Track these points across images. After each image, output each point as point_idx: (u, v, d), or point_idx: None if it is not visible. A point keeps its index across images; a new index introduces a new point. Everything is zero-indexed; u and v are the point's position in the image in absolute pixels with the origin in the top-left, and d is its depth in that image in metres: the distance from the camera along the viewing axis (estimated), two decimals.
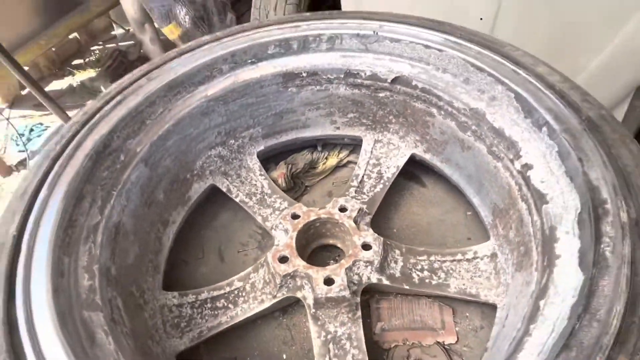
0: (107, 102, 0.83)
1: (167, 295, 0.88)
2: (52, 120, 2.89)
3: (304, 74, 1.01)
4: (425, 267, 0.91)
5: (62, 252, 0.63)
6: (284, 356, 0.89)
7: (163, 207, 0.94)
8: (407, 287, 0.88)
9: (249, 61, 0.98)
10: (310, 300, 0.84)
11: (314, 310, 0.84)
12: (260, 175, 1.10)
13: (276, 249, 0.89)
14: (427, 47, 0.89)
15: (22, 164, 2.70)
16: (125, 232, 0.80)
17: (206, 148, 1.03)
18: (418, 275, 0.90)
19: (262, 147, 1.13)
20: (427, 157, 1.05)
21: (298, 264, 0.86)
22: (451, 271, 0.90)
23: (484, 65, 0.81)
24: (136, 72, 0.90)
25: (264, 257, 0.91)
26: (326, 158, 1.22)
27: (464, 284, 0.87)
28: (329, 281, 0.83)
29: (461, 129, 0.91)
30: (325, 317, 0.84)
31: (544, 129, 0.71)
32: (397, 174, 1.07)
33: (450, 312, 0.92)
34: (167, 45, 2.99)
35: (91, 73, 3.20)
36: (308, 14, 1.00)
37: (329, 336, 0.82)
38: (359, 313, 0.84)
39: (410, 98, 0.97)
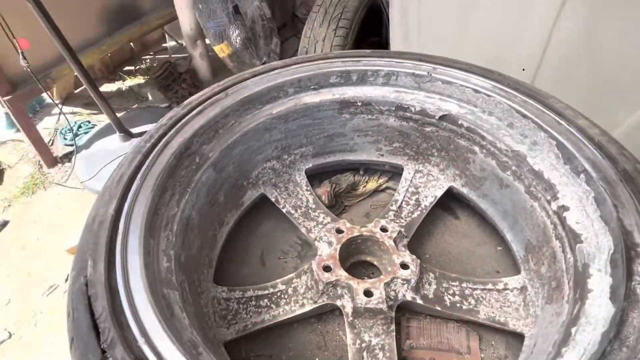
0: (191, 111, 0.94)
1: (218, 288, 0.96)
2: (99, 120, 3.08)
3: (359, 103, 1.11)
4: (457, 292, 0.97)
5: (150, 235, 0.72)
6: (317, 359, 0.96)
7: (222, 208, 1.04)
8: (439, 309, 0.94)
9: (312, 87, 1.09)
10: (348, 309, 0.91)
11: (351, 319, 0.91)
12: (307, 190, 1.19)
13: (320, 258, 0.97)
14: (476, 91, 0.99)
15: (67, 157, 2.87)
16: (192, 226, 0.89)
17: (263, 160, 1.13)
18: (450, 299, 0.96)
19: (310, 165, 1.23)
20: (464, 190, 1.12)
21: (340, 274, 0.94)
22: (481, 299, 0.96)
23: (528, 113, 0.90)
24: (215, 86, 1.02)
25: (308, 265, 0.99)
26: (366, 182, 1.30)
27: (493, 312, 0.93)
28: (368, 293, 0.90)
29: (501, 168, 0.99)
30: (362, 327, 0.90)
31: (582, 175, 0.79)
32: (434, 203, 1.14)
33: (477, 338, 0.97)
34: (213, 61, 3.20)
35: (140, 80, 3.41)
36: (369, 51, 1.12)
37: (364, 344, 0.88)
38: (393, 327, 0.90)
39: (454, 135, 1.06)
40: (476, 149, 1.03)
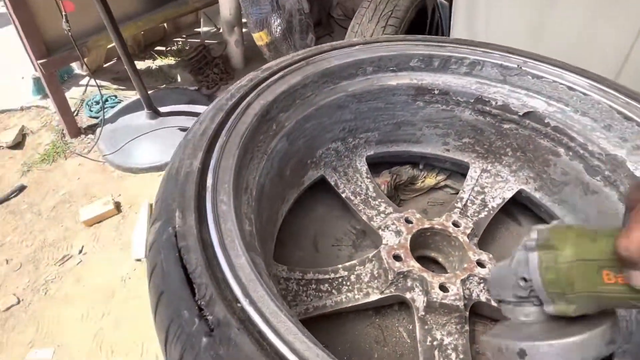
0: (271, 75, 0.88)
1: (278, 266, 0.90)
2: (125, 95, 3.04)
3: (436, 91, 1.06)
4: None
5: (235, 194, 0.66)
6: (375, 355, 0.89)
7: (286, 184, 0.98)
8: None
9: (390, 68, 1.04)
10: (420, 303, 0.85)
11: (422, 314, 0.84)
12: (367, 177, 1.13)
13: (390, 247, 0.91)
14: (570, 89, 0.93)
15: (91, 128, 2.82)
16: (265, 194, 0.83)
17: (329, 140, 1.08)
18: None
19: (372, 152, 1.17)
20: (537, 195, 1.07)
21: (413, 265, 0.87)
22: None
23: (633, 115, 0.85)
24: (295, 55, 0.97)
25: (374, 253, 0.93)
26: (425, 177, 1.25)
27: None
28: (444, 288, 0.84)
29: (589, 173, 0.93)
30: (433, 323, 0.84)
31: None
32: (502, 205, 1.09)
33: None
34: (247, 50, 3.16)
35: (170, 61, 3.37)
36: (454, 38, 1.07)
37: (435, 342, 0.82)
38: (467, 327, 0.84)
39: (537, 134, 1.01)
40: (561, 150, 0.97)
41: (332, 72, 0.97)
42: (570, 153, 0.96)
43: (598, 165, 0.90)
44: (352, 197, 1.08)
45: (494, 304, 0.87)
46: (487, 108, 1.05)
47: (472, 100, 1.05)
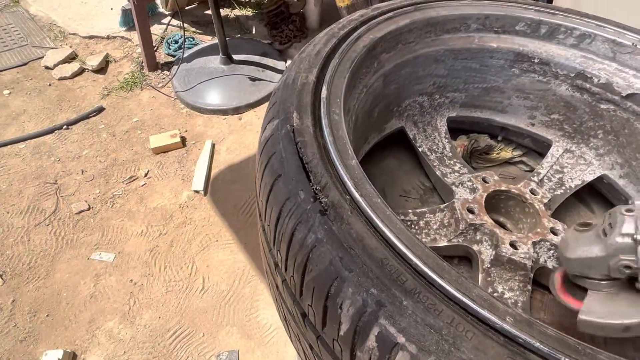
0: (382, 14, 0.91)
1: None
2: (202, 39, 3.15)
3: (536, 60, 1.04)
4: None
5: (345, 111, 0.70)
6: None
7: (372, 125, 1.01)
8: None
9: (495, 29, 1.03)
10: (486, 256, 0.87)
11: (488, 266, 0.87)
12: (445, 137, 1.14)
13: (465, 199, 0.93)
14: None
15: (167, 65, 2.96)
16: (357, 126, 0.87)
17: (417, 92, 1.09)
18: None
19: (454, 114, 1.17)
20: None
21: (486, 219, 0.89)
22: None
23: None
24: (404, 1, 0.98)
25: (446, 204, 0.95)
26: (501, 149, 1.24)
27: None
28: (513, 245, 0.86)
29: None
30: (497, 277, 0.86)
31: None
32: (580, 187, 1.07)
33: None
34: (324, 11, 3.16)
35: (248, 12, 3.44)
36: (565, 7, 1.04)
37: (495, 294, 0.84)
38: (530, 287, 0.85)
39: (637, 118, 0.97)
40: None
41: (437, 23, 0.98)
42: None
43: None
44: (429, 153, 1.10)
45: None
46: (587, 85, 1.02)
47: (572, 75, 1.03)
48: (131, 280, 1.87)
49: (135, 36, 3.05)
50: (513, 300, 0.83)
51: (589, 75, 1.01)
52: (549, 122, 1.13)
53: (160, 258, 1.95)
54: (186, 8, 3.46)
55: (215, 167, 2.36)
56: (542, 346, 0.41)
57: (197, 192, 2.20)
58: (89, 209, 2.13)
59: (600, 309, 0.58)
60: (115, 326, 1.71)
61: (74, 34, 3.16)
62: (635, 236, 0.53)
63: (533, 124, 1.15)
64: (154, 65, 2.92)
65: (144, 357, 1.63)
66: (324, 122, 0.63)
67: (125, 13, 3.04)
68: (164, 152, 2.43)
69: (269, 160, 0.61)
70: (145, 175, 2.32)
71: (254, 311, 1.77)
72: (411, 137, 1.13)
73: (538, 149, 1.20)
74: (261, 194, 0.62)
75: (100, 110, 2.69)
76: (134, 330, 1.71)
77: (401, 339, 0.42)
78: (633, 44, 0.95)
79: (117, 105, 2.72)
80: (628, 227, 0.54)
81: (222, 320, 1.75)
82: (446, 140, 1.14)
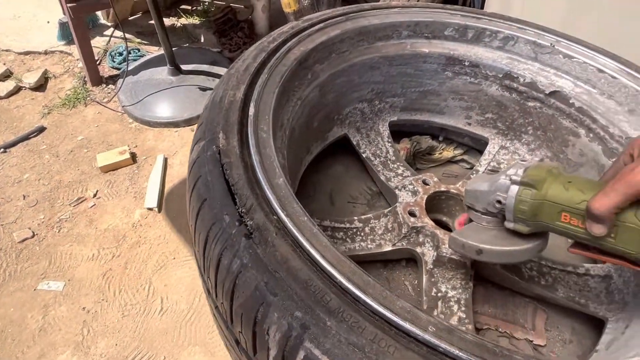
0: (312, 26, 0.91)
1: None
2: (148, 50, 3.05)
3: (467, 63, 1.08)
4: (535, 268, 0.95)
5: (274, 127, 0.70)
6: None
7: (312, 135, 1.01)
8: (517, 279, 0.92)
9: (425, 35, 1.06)
10: (429, 258, 0.89)
11: (431, 267, 0.89)
12: (388, 142, 1.17)
13: (407, 203, 0.95)
14: (600, 71, 0.95)
15: (112, 79, 2.85)
16: (293, 139, 0.87)
17: (356, 100, 1.11)
18: (527, 272, 0.94)
19: (395, 118, 1.20)
20: None
21: (427, 221, 0.92)
22: (559, 279, 0.94)
23: None
24: (335, 10, 0.99)
25: (390, 208, 0.97)
26: (443, 149, 1.28)
27: (572, 294, 0.91)
28: None
29: (607, 155, 0.96)
30: (440, 277, 0.88)
31: None
32: None
33: (544, 317, 0.95)
34: (272, 16, 3.15)
35: (195, 21, 3.37)
36: (489, 12, 1.08)
37: (440, 294, 0.86)
38: (471, 284, 0.88)
39: (560, 114, 1.03)
40: (582, 132, 1.00)
41: (369, 31, 0.99)
42: (591, 135, 0.98)
43: (616, 147, 0.93)
44: (372, 158, 1.12)
45: (498, 266, 0.92)
46: (515, 84, 1.07)
47: (500, 75, 1.07)
48: (84, 308, 1.78)
49: (75, 50, 2.92)
50: (456, 298, 0.86)
51: (516, 76, 1.06)
52: (484, 121, 1.18)
53: (115, 282, 1.87)
54: (130, 18, 3.34)
55: (168, 182, 2.29)
56: (461, 353, 0.43)
57: (150, 209, 2.13)
58: (33, 236, 2.01)
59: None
60: (69, 359, 1.62)
61: (7, 50, 2.97)
62: (512, 177, 0.62)
63: (470, 124, 1.20)
64: (97, 80, 2.80)
65: None
66: (251, 141, 0.62)
67: (63, 26, 2.90)
68: (114, 170, 2.33)
69: (195, 184, 0.59)
70: (94, 195, 2.22)
71: (216, 328, 1.72)
72: (355, 143, 1.14)
73: (477, 146, 1.25)
74: (190, 219, 0.60)
75: (41, 130, 2.55)
76: None
77: None
78: (551, 44, 1.00)
79: (60, 123, 2.59)
80: (512, 170, 0.63)
81: (183, 341, 1.70)
82: (389, 144, 1.16)
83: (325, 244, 0.51)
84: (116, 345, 1.67)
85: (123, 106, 2.59)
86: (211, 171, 0.58)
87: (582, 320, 0.94)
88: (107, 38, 3.06)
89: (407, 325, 0.44)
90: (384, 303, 0.46)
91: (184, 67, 2.77)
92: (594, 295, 0.90)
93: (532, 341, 0.92)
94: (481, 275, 0.95)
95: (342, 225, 0.96)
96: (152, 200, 2.12)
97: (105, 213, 2.10)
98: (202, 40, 3.20)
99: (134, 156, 2.34)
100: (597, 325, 0.90)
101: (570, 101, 1.00)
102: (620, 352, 0.72)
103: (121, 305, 1.78)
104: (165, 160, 2.34)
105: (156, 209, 2.09)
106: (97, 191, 2.20)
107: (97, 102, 2.68)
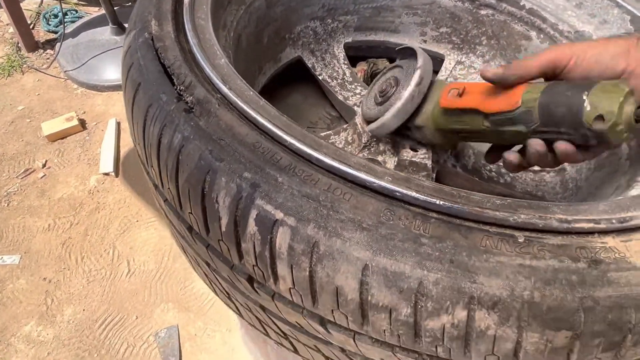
0: None
1: None
2: (87, 11, 2.83)
3: None
4: (494, 169, 0.97)
5: (213, 17, 0.64)
6: None
7: (263, 52, 0.96)
8: (477, 179, 0.93)
9: None
10: (390, 164, 0.88)
11: None
12: (344, 64, 1.13)
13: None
14: None
15: (49, 43, 2.64)
16: (241, 48, 0.82)
17: (308, 17, 1.05)
18: (487, 173, 0.95)
19: (350, 39, 1.16)
20: None
21: None
22: (517, 178, 0.96)
23: None
24: None
25: (349, 123, 0.95)
26: None
27: (529, 189, 0.94)
28: (413, 149, 0.88)
29: None
30: None
31: None
32: None
33: None
34: None
35: None
36: None
37: None
38: None
39: (512, 19, 1.03)
40: (533, 34, 1.00)
41: None
42: (542, 35, 0.99)
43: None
44: (329, 80, 1.09)
45: (459, 169, 0.92)
46: None
47: None
48: (44, 279, 1.69)
49: (4, 14, 2.66)
50: None
51: None
52: (439, 36, 1.16)
53: (75, 250, 1.78)
54: None
55: (124, 146, 2.17)
56: (419, 195, 0.41)
57: (106, 174, 2.02)
58: None
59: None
60: (34, 329, 1.55)
61: None
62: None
63: (425, 41, 1.18)
64: (33, 45, 2.58)
65: (72, 353, 1.50)
66: (188, 26, 0.57)
67: None
68: (62, 139, 2.19)
69: (128, 72, 0.54)
70: (44, 166, 2.08)
71: (189, 283, 1.69)
72: (310, 66, 1.10)
73: (435, 66, 1.23)
74: (127, 110, 0.55)
75: None
76: (56, 329, 1.56)
77: (279, 215, 0.40)
78: None
79: None
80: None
81: (155, 299, 1.65)
82: (345, 66, 1.12)
83: (274, 113, 0.48)
84: (84, 310, 1.61)
85: (65, 71, 2.41)
86: (144, 56, 0.53)
87: None
88: (39, 0, 2.81)
89: (362, 175, 0.42)
90: (338, 158, 0.44)
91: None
92: (550, 188, 0.93)
93: None
94: (442, 180, 0.96)
95: None
96: (107, 164, 2.01)
97: (58, 182, 1.98)
98: None
99: (83, 123, 2.20)
100: None
101: (521, 3, 1.00)
102: None
103: (85, 272, 1.70)
104: (118, 124, 2.21)
105: (113, 174, 1.99)
106: (46, 161, 2.06)
107: (36, 69, 2.48)
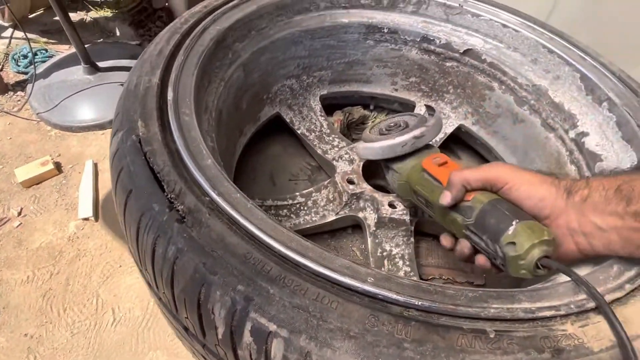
0: (226, 3, 0.88)
1: None
2: (57, 49, 2.80)
3: (385, 30, 1.11)
4: None
5: (196, 109, 0.68)
6: None
7: (243, 116, 1.00)
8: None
9: (342, 5, 1.07)
10: (371, 221, 0.93)
11: (374, 229, 0.92)
12: (321, 116, 1.18)
13: (345, 172, 0.97)
14: (504, 26, 1.02)
15: (20, 85, 2.59)
16: (222, 121, 0.85)
17: (284, 76, 1.10)
18: None
19: (325, 92, 1.21)
20: (475, 128, 1.17)
21: (365, 187, 0.95)
22: None
23: (555, 49, 0.96)
24: None
25: (329, 180, 0.99)
26: (375, 117, 1.32)
27: None
28: (392, 205, 0.92)
29: (518, 104, 1.04)
30: (383, 237, 0.92)
31: (605, 103, 0.86)
32: (444, 139, 1.19)
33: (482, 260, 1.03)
34: (191, 3, 3.00)
35: (107, 13, 3.13)
36: None
37: (385, 253, 0.91)
38: (412, 240, 0.93)
39: (475, 71, 1.10)
40: (495, 85, 1.08)
41: (286, 5, 0.98)
42: (503, 87, 1.06)
43: (525, 96, 1.01)
44: (308, 133, 1.13)
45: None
46: (432, 47, 1.12)
47: (418, 39, 1.12)
48: (26, 335, 1.65)
49: None
50: (400, 254, 0.90)
51: (432, 38, 1.11)
52: (409, 85, 1.22)
53: (57, 301, 1.74)
54: (30, 16, 3.03)
55: (102, 188, 2.15)
56: (399, 297, 0.45)
57: (86, 219, 2.00)
58: None
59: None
60: None
61: None
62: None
63: (396, 89, 1.24)
64: (2, 88, 2.53)
65: None
66: (173, 126, 0.60)
67: None
68: (37, 184, 2.14)
69: (118, 177, 0.56)
70: (19, 214, 2.03)
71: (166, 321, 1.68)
72: (288, 121, 1.14)
73: (406, 111, 1.30)
74: (119, 215, 0.57)
75: None
76: None
77: (272, 327, 0.43)
78: (460, 4, 1.06)
79: None
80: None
81: (142, 348, 1.64)
82: (322, 118, 1.17)
83: (261, 216, 0.52)
84: None
85: (37, 113, 2.37)
86: (133, 161, 0.55)
87: None
88: (7, 40, 2.76)
89: (346, 280, 0.46)
90: (324, 263, 0.48)
91: (101, 64, 2.57)
92: None
93: (472, 282, 1.00)
94: (422, 230, 1.01)
95: (285, 203, 0.96)
96: (86, 209, 1.98)
97: (35, 231, 1.94)
98: (118, 33, 2.99)
99: (58, 166, 2.16)
100: None
101: (482, 57, 1.07)
102: None
103: (68, 324, 1.67)
104: (95, 165, 2.19)
105: (92, 218, 1.96)
106: (21, 209, 2.02)
107: (6, 112, 2.43)
